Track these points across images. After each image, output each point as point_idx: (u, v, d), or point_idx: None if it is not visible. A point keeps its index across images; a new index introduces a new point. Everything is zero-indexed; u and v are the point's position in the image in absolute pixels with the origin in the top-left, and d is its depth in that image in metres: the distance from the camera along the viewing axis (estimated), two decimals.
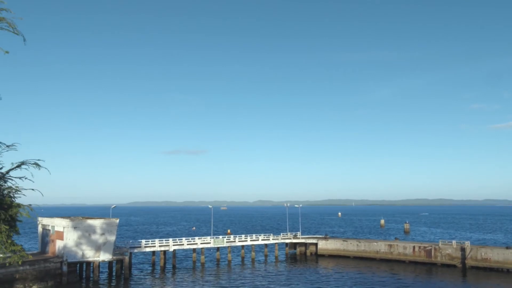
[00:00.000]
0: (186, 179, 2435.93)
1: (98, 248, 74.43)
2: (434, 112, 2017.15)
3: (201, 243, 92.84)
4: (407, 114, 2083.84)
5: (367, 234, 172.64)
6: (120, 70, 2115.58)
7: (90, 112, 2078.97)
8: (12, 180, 26.22)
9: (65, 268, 70.11)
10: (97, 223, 74.90)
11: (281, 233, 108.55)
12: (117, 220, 78.26)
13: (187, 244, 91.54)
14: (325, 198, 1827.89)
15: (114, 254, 76.74)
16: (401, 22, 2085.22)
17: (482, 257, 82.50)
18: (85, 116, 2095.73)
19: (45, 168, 25.44)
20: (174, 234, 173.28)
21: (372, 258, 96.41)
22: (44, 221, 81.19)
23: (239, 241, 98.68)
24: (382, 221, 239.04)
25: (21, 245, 25.26)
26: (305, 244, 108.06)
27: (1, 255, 26.51)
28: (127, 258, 78.25)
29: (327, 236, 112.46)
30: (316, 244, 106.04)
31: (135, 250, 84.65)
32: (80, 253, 72.69)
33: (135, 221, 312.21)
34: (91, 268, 75.47)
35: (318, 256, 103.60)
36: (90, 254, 73.68)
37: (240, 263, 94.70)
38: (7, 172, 26.00)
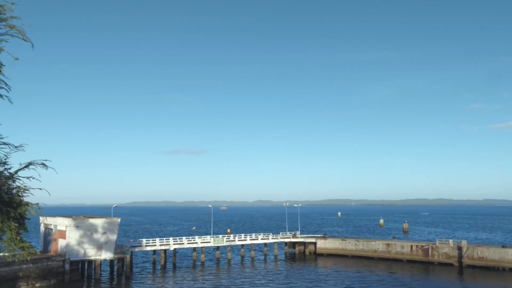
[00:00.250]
0: (186, 179, 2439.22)
1: (99, 247, 75.49)
2: (434, 112, 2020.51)
3: (201, 242, 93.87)
4: (407, 114, 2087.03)
5: (366, 234, 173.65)
6: (120, 70, 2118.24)
7: (90, 112, 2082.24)
8: (20, 179, 27.18)
9: (67, 266, 71.20)
10: (99, 222, 75.96)
11: (280, 233, 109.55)
12: (119, 219, 79.32)
13: (187, 243, 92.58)
14: (325, 198, 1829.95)
15: (115, 253, 77.79)
16: (401, 22, 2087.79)
17: (479, 256, 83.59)
18: (85, 116, 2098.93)
19: (52, 168, 26.56)
20: (175, 234, 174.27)
21: (370, 257, 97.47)
22: (46, 220, 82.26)
23: (238, 240, 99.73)
24: (381, 221, 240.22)
25: (29, 242, 26.33)
26: (304, 243, 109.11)
27: (6, 254, 27.52)
28: (128, 256, 79.30)
29: (326, 236, 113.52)
30: (315, 243, 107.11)
31: (136, 249, 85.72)
32: (82, 251, 73.77)
33: (135, 220, 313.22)
34: (93, 266, 76.57)
35: (317, 255, 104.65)
36: (92, 253, 74.76)
37: (240, 262, 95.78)
38: (16, 172, 26.96)
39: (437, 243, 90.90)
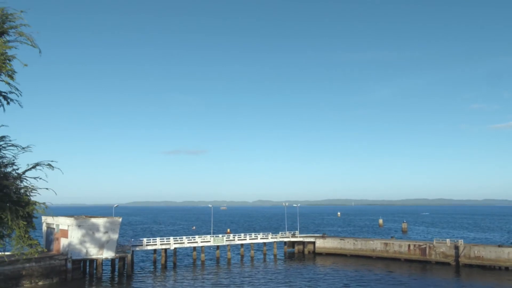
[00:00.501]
0: (186, 179, 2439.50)
1: (101, 246, 76.53)
2: (434, 112, 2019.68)
3: (201, 242, 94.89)
4: (407, 114, 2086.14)
5: (365, 234, 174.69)
6: (120, 70, 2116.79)
7: (90, 112, 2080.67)
8: (27, 180, 28.18)
9: (69, 265, 72.27)
10: (100, 221, 77.00)
11: (280, 232, 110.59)
12: (120, 219, 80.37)
13: (188, 243, 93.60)
14: (325, 198, 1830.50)
15: (116, 252, 78.85)
16: (401, 22, 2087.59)
17: (475, 255, 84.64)
18: (85, 116, 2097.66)
19: (58, 168, 27.60)
20: (175, 233, 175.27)
21: (368, 256, 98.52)
22: (48, 219, 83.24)
23: (238, 240, 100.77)
24: (381, 221, 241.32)
25: (37, 240, 27.35)
26: (303, 243, 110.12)
27: (14, 251, 28.53)
28: (129, 255, 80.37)
29: (325, 235, 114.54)
30: (314, 243, 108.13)
31: (137, 248, 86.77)
32: (84, 250, 74.82)
33: (136, 220, 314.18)
34: (95, 265, 77.64)
35: (316, 254, 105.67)
36: (93, 252, 75.81)
37: (240, 261, 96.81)
38: (23, 172, 27.95)
39: (434, 243, 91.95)
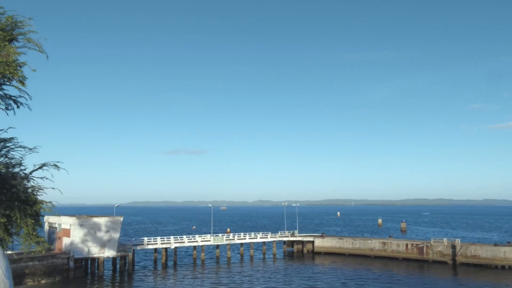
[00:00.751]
0: (186, 179, 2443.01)
1: (103, 245, 77.60)
2: (434, 112, 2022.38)
3: (201, 241, 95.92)
4: (407, 114, 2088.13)
5: (364, 233, 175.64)
6: (120, 70, 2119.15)
7: (90, 112, 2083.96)
8: (34, 180, 29.28)
9: (71, 264, 73.33)
10: (102, 221, 78.06)
11: (279, 232, 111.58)
12: (121, 218, 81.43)
13: (188, 242, 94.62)
14: (325, 198, 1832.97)
15: (118, 251, 79.91)
16: (401, 22, 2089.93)
17: (472, 254, 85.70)
18: (85, 116, 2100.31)
19: (64, 169, 28.69)
20: (175, 233, 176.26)
21: (366, 256, 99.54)
22: (50, 219, 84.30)
23: (238, 239, 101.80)
24: (380, 220, 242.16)
25: (44, 237, 28.41)
26: (302, 242, 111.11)
27: (23, 248, 29.60)
28: (130, 254, 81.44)
29: (324, 234, 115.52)
30: (312, 242, 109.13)
31: (138, 247, 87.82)
32: (86, 249, 75.89)
33: (136, 220, 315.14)
34: (96, 264, 78.65)
35: (315, 253, 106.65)
36: (95, 251, 76.87)
37: (239, 260, 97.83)
38: (30, 172, 29.04)
39: (431, 242, 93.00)
